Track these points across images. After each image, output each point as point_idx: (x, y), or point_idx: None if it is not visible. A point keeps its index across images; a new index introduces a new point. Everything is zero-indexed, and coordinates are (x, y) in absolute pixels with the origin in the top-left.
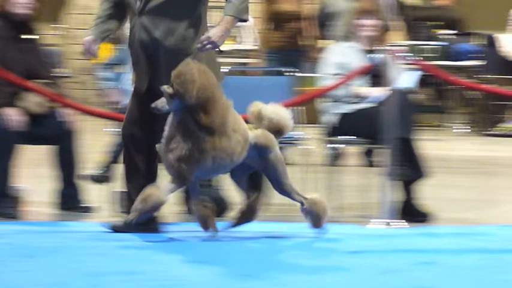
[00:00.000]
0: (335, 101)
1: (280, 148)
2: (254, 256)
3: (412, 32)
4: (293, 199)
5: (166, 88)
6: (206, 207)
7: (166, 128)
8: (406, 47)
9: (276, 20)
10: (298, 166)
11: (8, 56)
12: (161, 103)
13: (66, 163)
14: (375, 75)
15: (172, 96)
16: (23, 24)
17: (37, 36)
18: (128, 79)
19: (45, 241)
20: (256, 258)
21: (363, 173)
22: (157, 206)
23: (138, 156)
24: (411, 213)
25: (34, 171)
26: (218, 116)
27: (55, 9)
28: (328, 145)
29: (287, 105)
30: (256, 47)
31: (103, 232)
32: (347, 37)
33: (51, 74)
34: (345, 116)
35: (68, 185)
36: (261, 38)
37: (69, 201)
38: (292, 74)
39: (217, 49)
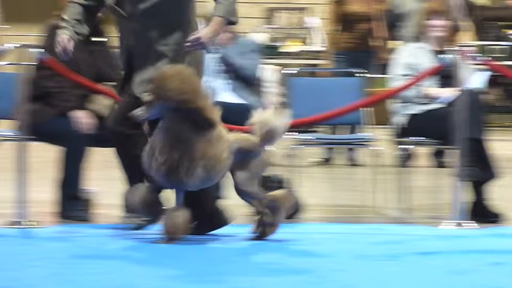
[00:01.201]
0: (405, 102)
1: (351, 149)
2: (326, 257)
3: (482, 32)
4: (261, 201)
5: (145, 95)
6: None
7: (152, 137)
8: (475, 47)
9: (345, 21)
10: (368, 167)
11: (78, 59)
12: (140, 111)
13: (136, 166)
14: (445, 75)
15: (152, 102)
16: (93, 27)
17: (107, 39)
18: (203, 82)
19: (116, 243)
20: (328, 258)
21: (433, 174)
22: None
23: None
24: (482, 214)
25: (104, 174)
26: (209, 111)
27: None
28: (398, 146)
29: (357, 107)
30: (324, 48)
31: None
32: (417, 38)
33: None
34: (414, 117)
35: None
36: (329, 39)
37: None
38: (362, 75)
39: (206, 50)
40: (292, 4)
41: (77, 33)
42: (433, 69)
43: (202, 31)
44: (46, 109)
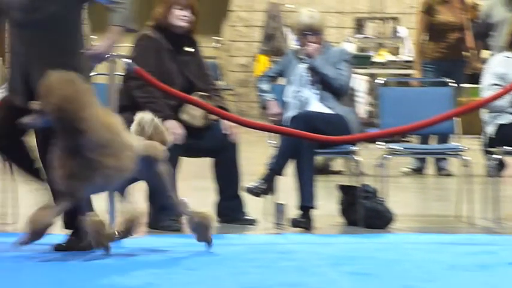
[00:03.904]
0: (495, 112)
1: (443, 159)
2: (417, 267)
3: None
4: (179, 212)
5: (34, 104)
6: (97, 222)
7: (53, 145)
8: None
9: (434, 30)
10: (457, 177)
11: (168, 69)
12: (29, 119)
13: (228, 175)
14: None
15: (41, 112)
16: (184, 36)
17: (198, 49)
18: (289, 91)
19: (207, 254)
20: (418, 268)
21: None
22: (44, 228)
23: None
24: None
25: (194, 184)
26: (94, 128)
27: (217, 21)
28: (488, 156)
29: (448, 117)
30: (411, 58)
31: (264, 244)
32: (507, 47)
33: (212, 87)
34: (503, 127)
35: (231, 197)
36: (416, 49)
37: (232, 213)
38: (452, 85)
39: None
40: (381, 14)
41: None
42: None
43: (101, 43)
44: None
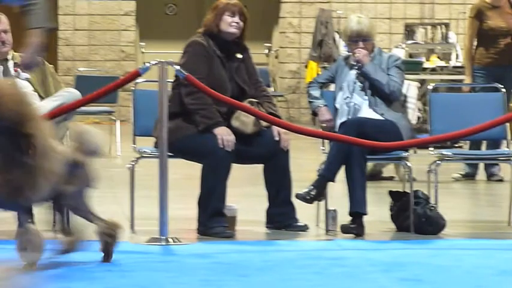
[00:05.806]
0: None
1: (494, 165)
2: (469, 272)
3: None
4: (89, 220)
5: None
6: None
7: None
8: None
9: (484, 36)
10: (509, 183)
11: (219, 76)
12: None
13: (280, 182)
14: None
15: None
16: (234, 43)
17: (249, 56)
18: (339, 97)
19: (258, 260)
20: (470, 274)
21: None
22: (40, 244)
23: None
24: None
25: (245, 190)
26: (39, 131)
27: (267, 28)
28: None
29: (499, 122)
30: (460, 64)
31: (315, 250)
32: None
33: (263, 93)
34: None
35: (282, 204)
36: (466, 55)
37: (284, 220)
38: (503, 90)
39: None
40: (432, 20)
41: None
42: None
43: (26, 52)
44: (186, 126)
